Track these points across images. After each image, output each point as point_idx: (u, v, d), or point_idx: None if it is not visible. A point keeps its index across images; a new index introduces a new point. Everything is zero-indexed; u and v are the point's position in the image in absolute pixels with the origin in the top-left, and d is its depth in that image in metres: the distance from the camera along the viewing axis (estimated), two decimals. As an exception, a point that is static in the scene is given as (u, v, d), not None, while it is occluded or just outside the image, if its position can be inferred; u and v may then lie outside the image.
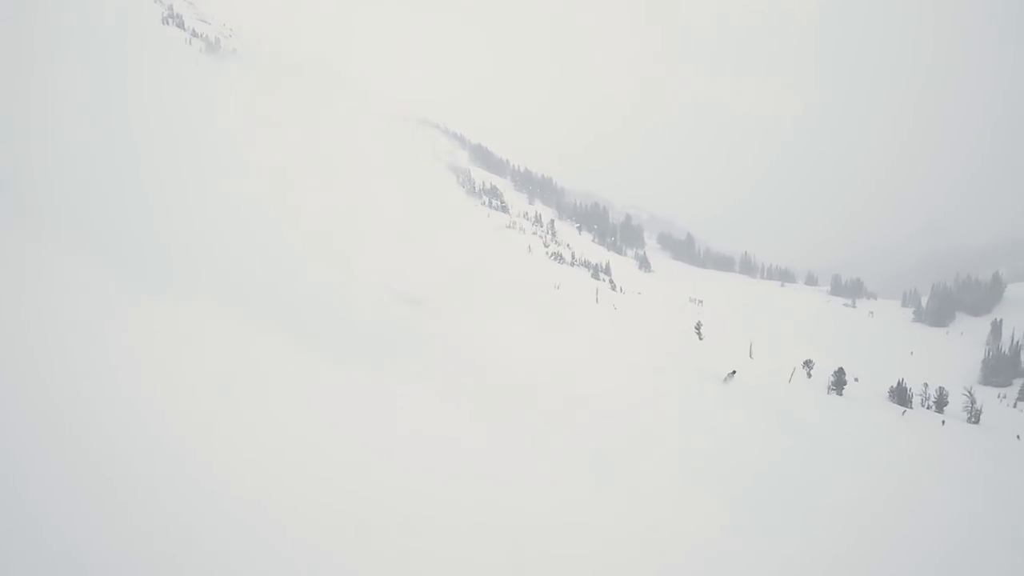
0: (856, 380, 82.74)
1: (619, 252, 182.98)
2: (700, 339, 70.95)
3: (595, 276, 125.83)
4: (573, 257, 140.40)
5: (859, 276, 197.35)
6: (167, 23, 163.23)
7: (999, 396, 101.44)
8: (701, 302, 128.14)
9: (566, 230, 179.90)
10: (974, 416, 72.41)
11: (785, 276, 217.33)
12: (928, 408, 75.97)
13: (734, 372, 14.76)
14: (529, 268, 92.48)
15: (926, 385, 79.19)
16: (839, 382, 63.76)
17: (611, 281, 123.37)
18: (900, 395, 73.59)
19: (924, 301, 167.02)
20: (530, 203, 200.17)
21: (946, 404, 76.57)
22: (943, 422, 61.02)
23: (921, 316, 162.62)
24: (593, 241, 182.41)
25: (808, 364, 70.96)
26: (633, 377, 21.44)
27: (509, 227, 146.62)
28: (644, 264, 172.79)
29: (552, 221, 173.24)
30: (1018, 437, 61.77)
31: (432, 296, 16.81)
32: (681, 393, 20.11)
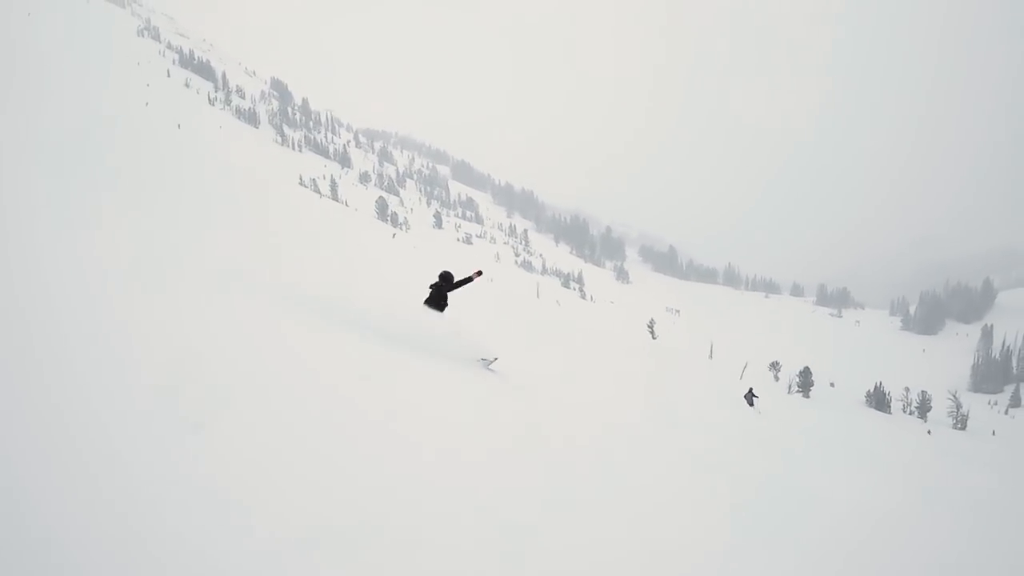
0: (832, 385, 76.93)
1: (597, 264, 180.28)
2: (653, 338, 64.54)
3: (565, 285, 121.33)
4: (544, 266, 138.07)
5: (846, 287, 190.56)
6: (142, 35, 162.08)
7: (990, 403, 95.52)
8: (678, 311, 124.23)
9: (542, 242, 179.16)
10: (960, 422, 65.62)
11: (770, 287, 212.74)
12: (910, 414, 68.96)
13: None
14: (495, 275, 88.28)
15: (907, 390, 72.12)
16: (805, 383, 57.11)
17: (581, 290, 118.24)
18: (878, 399, 66.50)
19: (913, 310, 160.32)
20: (508, 216, 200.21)
21: (929, 410, 69.76)
22: (928, 432, 54.48)
23: (909, 324, 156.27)
24: (571, 253, 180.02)
25: (775, 366, 64.39)
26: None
27: (479, 236, 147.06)
28: (622, 275, 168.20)
29: (526, 231, 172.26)
30: (993, 433, 58.44)
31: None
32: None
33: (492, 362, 12.17)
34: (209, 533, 3.34)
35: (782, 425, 20.13)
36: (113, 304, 6.14)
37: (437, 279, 12.83)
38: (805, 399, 51.02)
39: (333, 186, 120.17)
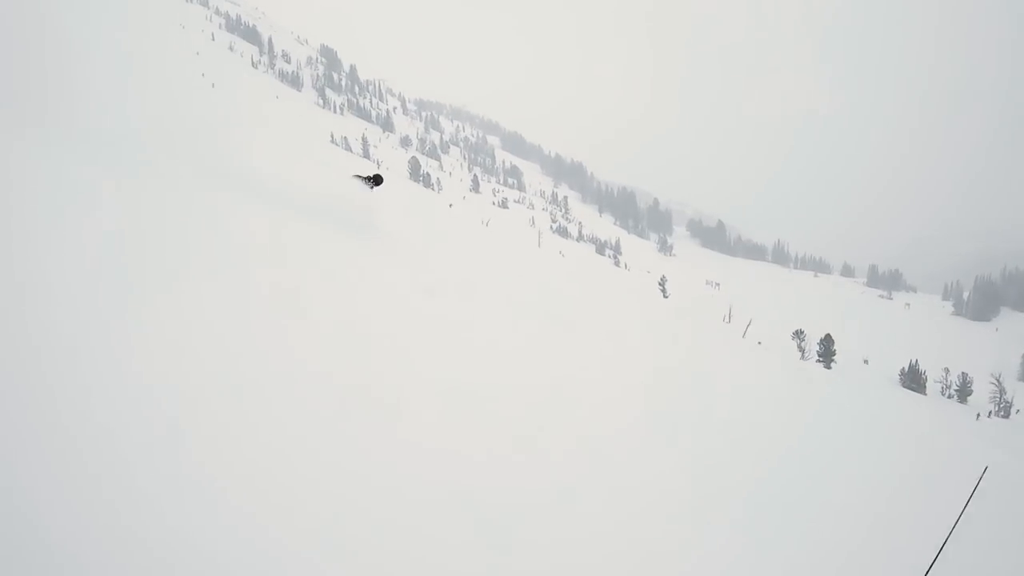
0: (866, 362, 71.99)
1: (641, 235, 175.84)
2: (664, 296, 60.64)
3: (600, 252, 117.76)
4: (580, 233, 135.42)
5: (898, 268, 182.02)
6: (191, 1, 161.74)
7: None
8: (718, 285, 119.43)
9: (586, 211, 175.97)
10: (1002, 409, 60.40)
11: (820, 267, 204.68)
12: (948, 397, 63.74)
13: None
14: (521, 238, 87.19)
15: (946, 371, 66.73)
16: (826, 352, 52.47)
17: (615, 258, 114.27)
18: (912, 378, 61.39)
19: (967, 295, 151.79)
20: (555, 186, 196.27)
21: (970, 393, 64.46)
22: (978, 415, 49.77)
23: (961, 310, 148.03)
24: (615, 224, 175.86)
25: (799, 335, 59.56)
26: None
27: (517, 202, 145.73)
28: (665, 248, 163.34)
29: (566, 199, 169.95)
30: (977, 416, 53.40)
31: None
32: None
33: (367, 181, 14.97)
34: (212, 529, 3.34)
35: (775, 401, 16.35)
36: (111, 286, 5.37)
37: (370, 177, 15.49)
38: (826, 369, 46.20)
39: (365, 145, 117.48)
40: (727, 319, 56.06)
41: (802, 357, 49.99)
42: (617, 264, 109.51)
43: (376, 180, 15.29)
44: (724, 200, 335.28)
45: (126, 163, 9.33)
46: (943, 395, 64.72)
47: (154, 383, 4.29)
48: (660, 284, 63.99)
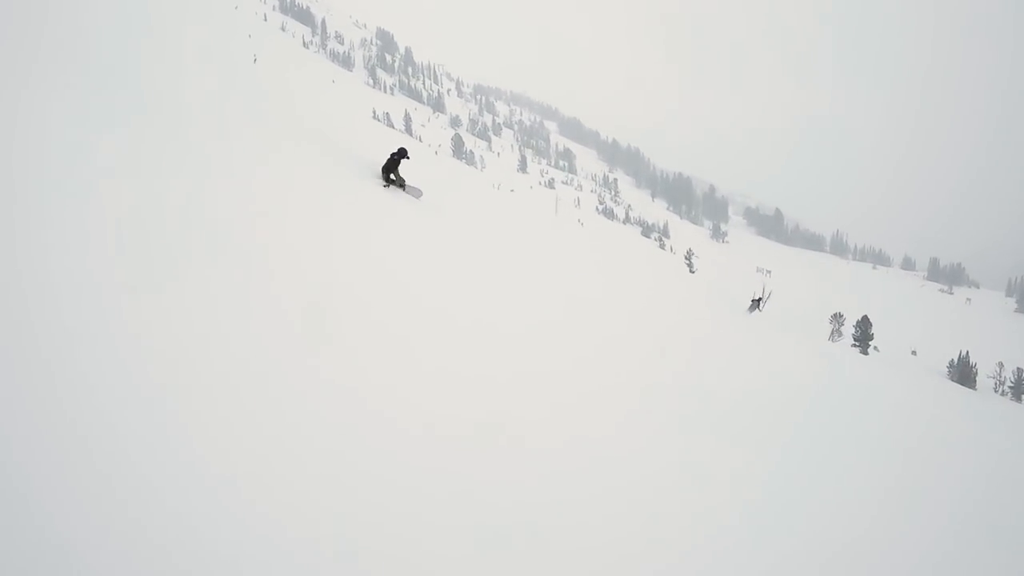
0: (914, 353, 67.47)
1: (694, 221, 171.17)
2: (691, 271, 57.25)
3: (645, 234, 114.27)
4: (627, 215, 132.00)
5: (961, 262, 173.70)
6: None
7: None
8: (769, 272, 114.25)
9: (638, 196, 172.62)
10: (1064, 406, 55.47)
11: (879, 259, 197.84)
12: (1002, 394, 58.96)
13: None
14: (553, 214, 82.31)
15: (1001, 365, 61.85)
16: (863, 336, 48.45)
17: (661, 240, 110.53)
18: (962, 372, 56.81)
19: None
20: (610, 170, 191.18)
21: (1025, 390, 59.61)
22: None
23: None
24: (667, 209, 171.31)
25: (837, 318, 55.48)
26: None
27: (565, 183, 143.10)
28: (719, 234, 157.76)
29: (616, 181, 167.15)
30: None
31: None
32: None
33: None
34: (219, 525, 3.40)
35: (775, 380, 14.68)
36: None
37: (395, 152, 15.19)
38: (862, 355, 42.34)
39: (408, 121, 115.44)
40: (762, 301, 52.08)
41: (832, 339, 45.86)
42: (662, 247, 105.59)
43: (400, 153, 15.01)
44: (783, 189, 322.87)
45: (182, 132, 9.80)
46: (996, 391, 60.00)
47: (163, 380, 4.35)
48: (686, 258, 60.32)
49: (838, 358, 27.05)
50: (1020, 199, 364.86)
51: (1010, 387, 60.44)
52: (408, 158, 15.27)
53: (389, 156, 15.01)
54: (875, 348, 54.17)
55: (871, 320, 54.90)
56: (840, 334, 53.75)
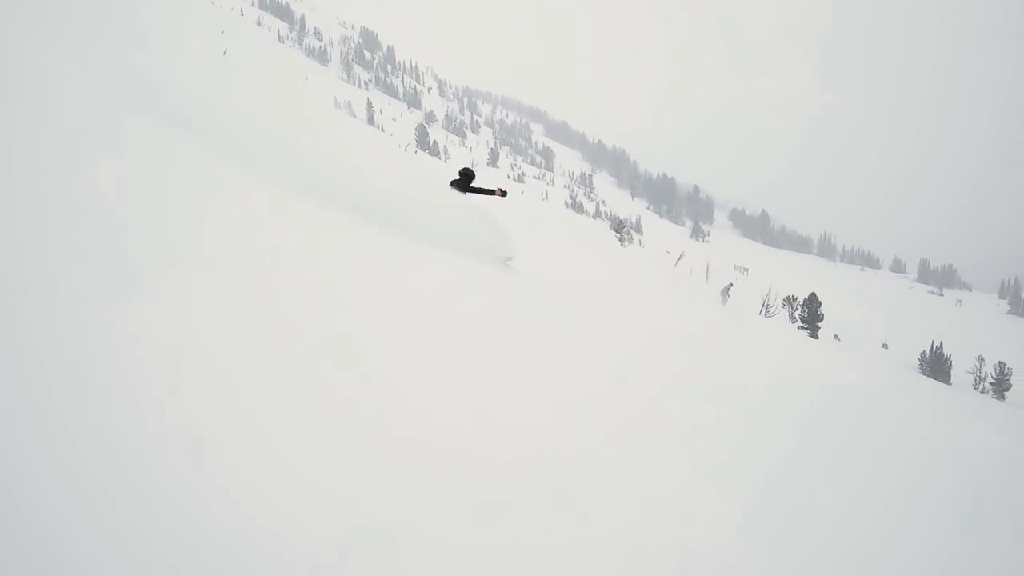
0: (885, 346, 60.69)
1: (674, 220, 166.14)
2: (622, 245, 51.39)
3: (614, 228, 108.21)
4: (598, 210, 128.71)
5: (952, 263, 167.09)
6: None
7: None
8: (747, 270, 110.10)
9: (617, 195, 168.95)
10: (1048, 407, 48.63)
11: (868, 261, 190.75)
12: (982, 391, 52.01)
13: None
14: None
15: (980, 359, 54.84)
16: (812, 317, 42.02)
17: (630, 234, 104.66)
18: (935, 365, 49.84)
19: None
20: (594, 171, 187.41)
21: (1008, 388, 52.58)
22: None
23: (1019, 308, 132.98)
24: (648, 208, 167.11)
25: (791, 301, 48.88)
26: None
27: (536, 178, 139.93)
28: (699, 233, 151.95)
29: (590, 176, 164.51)
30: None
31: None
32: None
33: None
34: (215, 530, 3.23)
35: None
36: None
37: (458, 175, 12.55)
38: (811, 338, 35.90)
39: (370, 111, 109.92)
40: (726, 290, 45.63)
41: (764, 314, 39.26)
42: (624, 242, 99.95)
43: (468, 183, 12.51)
44: (773, 192, 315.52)
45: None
46: (975, 388, 53.06)
47: (156, 379, 4.06)
48: (615, 229, 55.19)
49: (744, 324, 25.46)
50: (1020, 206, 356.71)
51: (991, 383, 53.49)
52: (473, 177, 12.59)
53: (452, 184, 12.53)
54: (835, 337, 47.67)
55: (813, 292, 48.47)
56: (795, 319, 46.83)
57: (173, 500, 3.12)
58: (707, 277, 47.09)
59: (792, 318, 46.13)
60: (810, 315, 44.73)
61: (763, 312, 39.60)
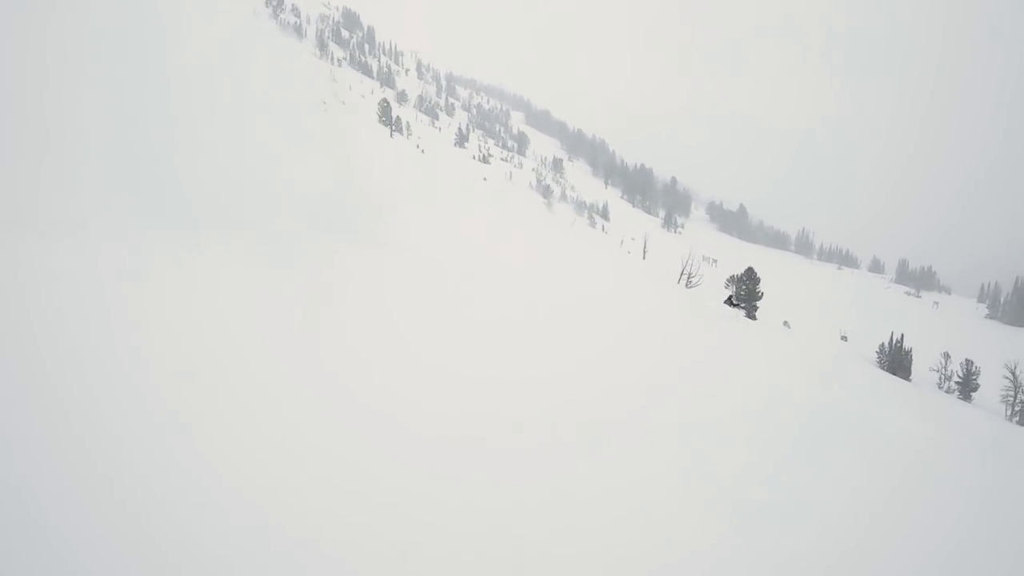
0: (844, 339, 56.12)
1: (647, 211, 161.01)
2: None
3: (579, 212, 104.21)
4: (564, 194, 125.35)
5: (931, 265, 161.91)
6: None
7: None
8: (715, 261, 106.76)
9: (590, 182, 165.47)
10: (1015, 411, 43.85)
11: (846, 260, 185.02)
12: (947, 391, 46.93)
13: None
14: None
15: (946, 356, 49.54)
16: (749, 295, 37.45)
17: (592, 219, 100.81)
18: (894, 360, 44.47)
19: (1004, 298, 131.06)
20: (571, 159, 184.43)
21: (975, 388, 47.65)
22: None
23: (997, 313, 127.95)
24: (621, 197, 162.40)
25: (733, 279, 43.84)
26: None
27: (504, 160, 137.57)
28: (671, 224, 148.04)
29: (561, 161, 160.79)
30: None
31: None
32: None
33: None
34: (219, 527, 3.36)
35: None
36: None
37: None
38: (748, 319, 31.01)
39: (331, 84, 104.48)
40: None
41: (687, 284, 34.16)
42: (592, 226, 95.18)
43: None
44: (750, 186, 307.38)
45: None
46: (940, 387, 47.85)
47: (161, 382, 4.33)
48: (543, 195, 50.25)
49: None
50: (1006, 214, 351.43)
51: (957, 383, 48.26)
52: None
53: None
54: (785, 323, 42.42)
55: (750, 267, 43.23)
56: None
57: (177, 495, 3.23)
58: (644, 255, 42.68)
59: (731, 301, 40.72)
60: (747, 293, 39.39)
61: (682, 281, 34.32)
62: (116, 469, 3.33)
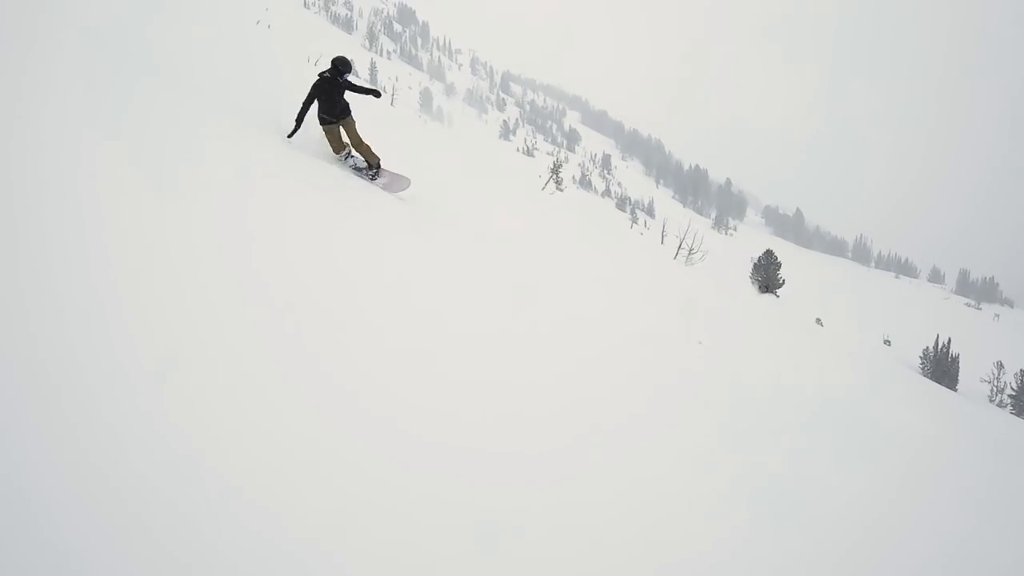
0: (887, 343, 51.94)
1: (698, 212, 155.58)
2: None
3: (621, 207, 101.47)
4: (607, 189, 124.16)
5: (993, 276, 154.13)
6: None
7: None
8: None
9: (642, 181, 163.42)
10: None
11: (905, 269, 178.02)
12: (1000, 404, 42.74)
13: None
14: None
15: (999, 365, 45.29)
16: (768, 281, 35.03)
17: (635, 214, 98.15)
18: (939, 367, 40.53)
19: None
20: (623, 158, 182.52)
21: (1031, 399, 43.29)
22: None
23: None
24: (672, 197, 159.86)
25: (757, 268, 40.87)
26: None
27: (549, 154, 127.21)
28: (722, 225, 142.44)
29: (609, 157, 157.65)
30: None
31: None
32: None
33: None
34: (222, 525, 3.32)
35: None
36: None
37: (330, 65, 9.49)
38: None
39: (373, 71, 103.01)
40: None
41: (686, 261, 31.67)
42: (635, 221, 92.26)
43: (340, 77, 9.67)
44: (806, 191, 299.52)
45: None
46: (991, 400, 43.63)
47: (159, 374, 4.14)
48: (550, 171, 47.93)
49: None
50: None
51: (1011, 395, 44.00)
52: (349, 73, 9.62)
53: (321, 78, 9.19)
54: (817, 320, 38.89)
55: (768, 249, 40.27)
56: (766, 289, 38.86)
57: (179, 494, 3.17)
58: (663, 240, 39.89)
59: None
60: (766, 278, 36.47)
61: (678, 256, 31.70)
62: (114, 466, 3.19)
